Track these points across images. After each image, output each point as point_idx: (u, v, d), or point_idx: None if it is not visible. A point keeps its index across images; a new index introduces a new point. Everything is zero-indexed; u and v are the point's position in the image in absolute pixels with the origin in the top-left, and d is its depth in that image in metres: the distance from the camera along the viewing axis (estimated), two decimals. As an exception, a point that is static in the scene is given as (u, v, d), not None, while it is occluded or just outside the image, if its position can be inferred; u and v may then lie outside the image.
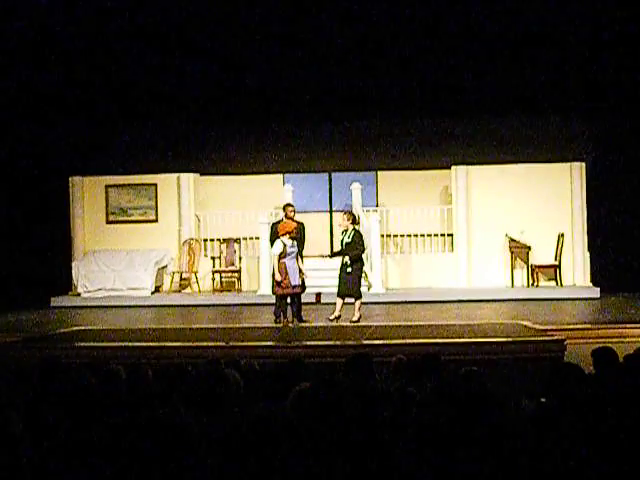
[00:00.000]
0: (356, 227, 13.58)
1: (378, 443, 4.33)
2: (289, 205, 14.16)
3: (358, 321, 13.28)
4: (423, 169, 18.59)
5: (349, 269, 13.23)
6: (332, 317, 13.43)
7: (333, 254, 14.11)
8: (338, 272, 13.44)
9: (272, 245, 13.43)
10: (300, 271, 13.07)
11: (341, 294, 13.43)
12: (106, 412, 5.18)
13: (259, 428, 4.26)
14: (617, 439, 4.42)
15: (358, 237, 13.42)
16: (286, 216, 13.75)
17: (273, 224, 14.37)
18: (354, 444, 4.26)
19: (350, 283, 13.29)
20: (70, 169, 18.56)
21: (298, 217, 14.02)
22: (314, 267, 14.54)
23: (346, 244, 13.35)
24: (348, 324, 13.17)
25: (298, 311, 13.39)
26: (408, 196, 18.54)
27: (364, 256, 13.70)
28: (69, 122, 17.11)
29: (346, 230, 13.48)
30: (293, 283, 12.92)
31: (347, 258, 13.24)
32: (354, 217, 13.77)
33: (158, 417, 4.12)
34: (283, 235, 13.03)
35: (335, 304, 13.51)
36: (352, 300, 13.44)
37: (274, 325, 13.41)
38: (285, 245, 12.92)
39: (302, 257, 13.54)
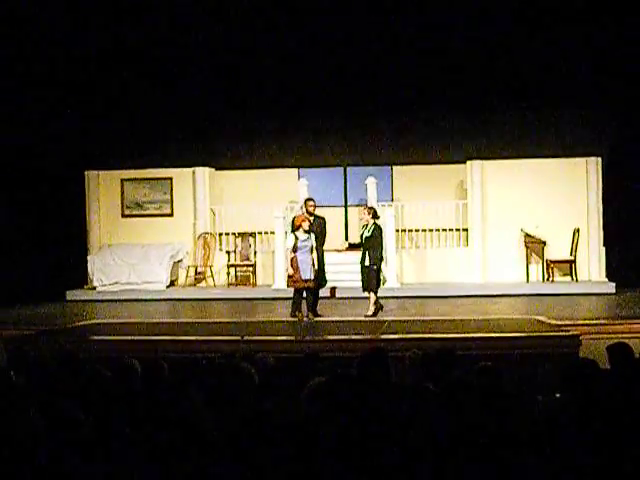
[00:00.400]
0: (377, 222, 13.55)
1: (393, 437, 4.33)
2: (308, 199, 14.14)
3: (373, 315, 13.28)
4: (438, 164, 18.53)
5: (367, 263, 13.24)
6: (370, 312, 13.44)
7: (350, 246, 14.09)
8: (360, 267, 13.47)
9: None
10: (313, 265, 13.06)
11: (365, 288, 13.48)
12: (122, 405, 5.20)
13: (273, 422, 4.26)
14: (633, 434, 4.41)
15: (378, 232, 13.40)
16: (306, 210, 13.77)
17: (294, 218, 14.41)
18: (369, 439, 4.26)
19: (368, 278, 13.31)
20: (86, 163, 18.61)
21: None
22: (329, 262, 14.49)
23: (366, 238, 13.35)
24: (363, 319, 13.18)
25: (313, 305, 13.38)
26: (423, 191, 18.48)
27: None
28: (85, 116, 17.16)
29: (367, 224, 13.49)
30: (304, 277, 12.93)
31: (367, 256, 13.25)
32: (375, 211, 13.73)
33: (173, 411, 4.14)
34: (296, 229, 13.06)
35: (350, 299, 13.51)
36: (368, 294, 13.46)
37: (289, 319, 13.42)
38: (297, 239, 12.94)
39: (322, 252, 13.57)
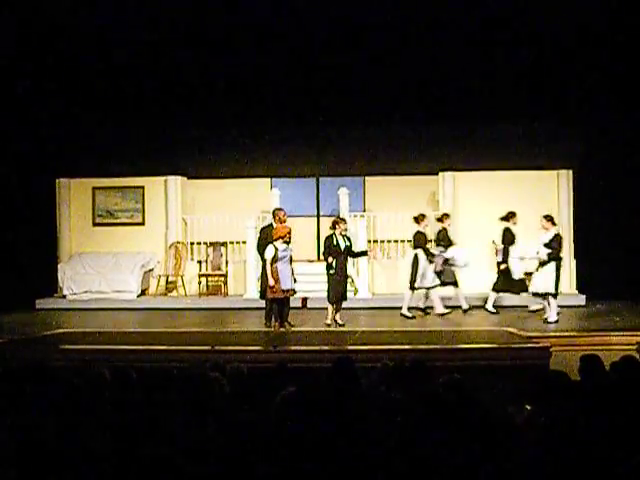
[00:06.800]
0: (336, 232, 13.71)
1: (362, 447, 4.32)
2: (280, 209, 14.15)
3: (330, 326, 13.43)
4: (410, 175, 18.61)
5: (332, 272, 13.46)
6: (328, 322, 13.59)
7: (355, 254, 14.26)
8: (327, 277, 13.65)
9: (262, 249, 13.46)
10: (292, 275, 13.12)
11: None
12: (91, 414, 5.15)
13: (244, 432, 4.25)
14: (602, 445, 4.42)
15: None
16: (279, 220, 13.73)
17: (263, 228, 14.42)
18: (338, 448, 4.25)
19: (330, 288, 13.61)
20: (57, 171, 18.51)
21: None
22: (301, 272, 14.50)
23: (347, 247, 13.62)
24: (335, 329, 13.24)
25: (285, 315, 13.41)
26: (395, 201, 18.53)
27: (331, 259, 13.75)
28: (56, 123, 17.05)
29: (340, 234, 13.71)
30: (284, 287, 12.97)
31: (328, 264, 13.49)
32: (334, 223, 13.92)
33: (142, 420, 4.11)
34: (277, 239, 13.05)
35: (321, 309, 13.58)
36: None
37: (260, 329, 13.43)
38: (277, 249, 12.94)
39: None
